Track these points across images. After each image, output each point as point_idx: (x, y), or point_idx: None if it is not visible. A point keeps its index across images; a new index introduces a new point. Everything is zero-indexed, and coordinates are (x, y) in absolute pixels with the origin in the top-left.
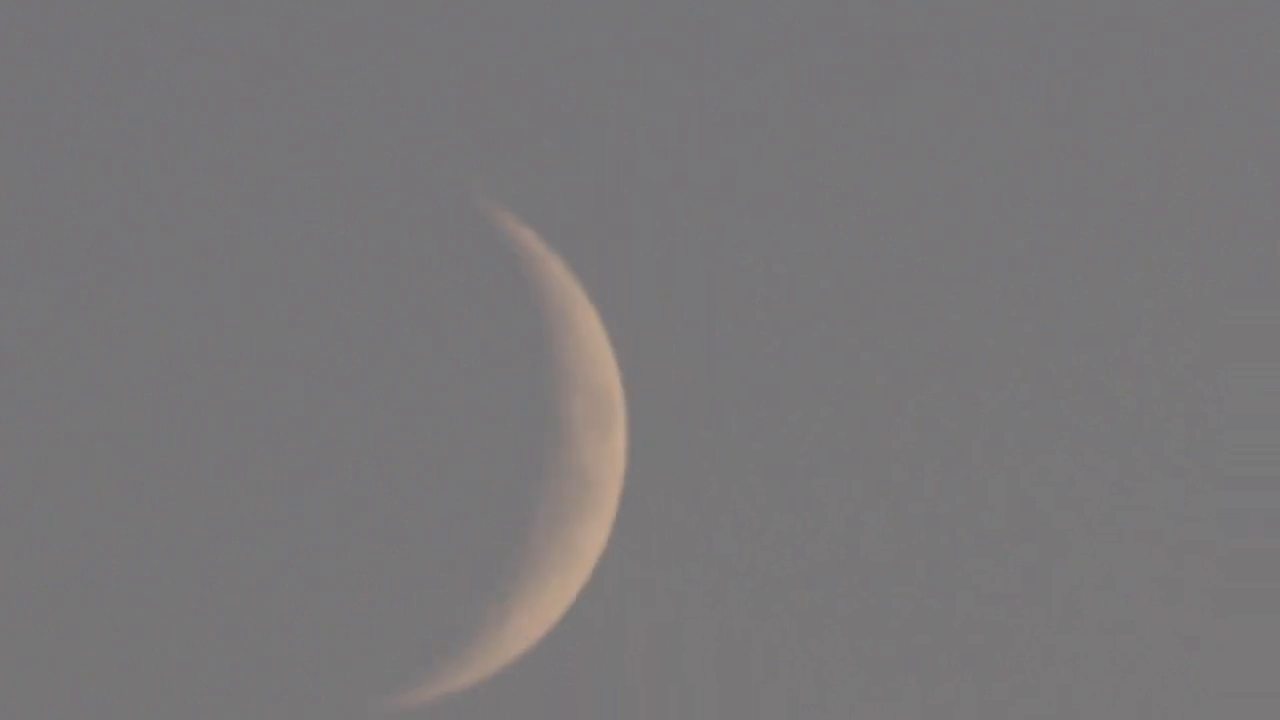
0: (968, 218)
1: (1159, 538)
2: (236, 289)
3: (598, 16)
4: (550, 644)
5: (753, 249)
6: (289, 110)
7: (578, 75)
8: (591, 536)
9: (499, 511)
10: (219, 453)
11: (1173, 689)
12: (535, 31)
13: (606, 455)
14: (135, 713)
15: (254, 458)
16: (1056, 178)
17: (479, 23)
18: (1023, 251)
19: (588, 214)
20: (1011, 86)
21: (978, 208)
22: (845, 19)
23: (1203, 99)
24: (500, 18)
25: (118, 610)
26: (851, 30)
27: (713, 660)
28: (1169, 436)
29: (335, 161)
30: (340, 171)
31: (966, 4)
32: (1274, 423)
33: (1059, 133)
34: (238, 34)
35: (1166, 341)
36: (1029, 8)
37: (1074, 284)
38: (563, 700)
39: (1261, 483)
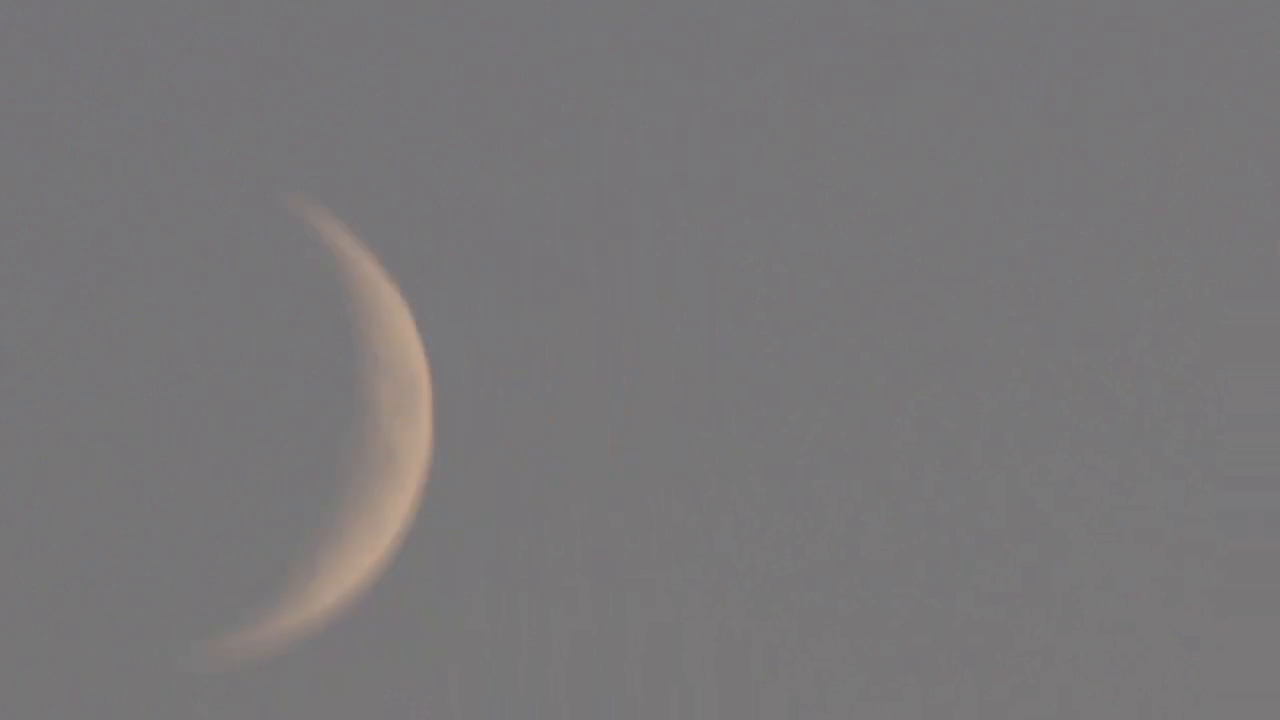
0: (968, 218)
1: (1159, 538)
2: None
3: (584, 16)
4: (353, 615)
5: (745, 248)
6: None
7: (539, 74)
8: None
9: (308, 487)
10: (64, 432)
11: (1173, 689)
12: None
13: (412, 438)
14: None
15: (78, 440)
16: (1057, 178)
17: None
18: (1023, 251)
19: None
20: (1012, 87)
21: (978, 208)
22: (845, 19)
23: (1203, 99)
24: (477, 15)
25: None
26: (851, 30)
27: (510, 638)
28: (1169, 437)
29: (156, 153)
30: (160, 165)
31: (966, 4)
32: (1275, 423)
33: (1059, 133)
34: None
35: (1167, 342)
36: (1029, 8)
37: (1074, 284)
38: (368, 669)
39: (1262, 483)
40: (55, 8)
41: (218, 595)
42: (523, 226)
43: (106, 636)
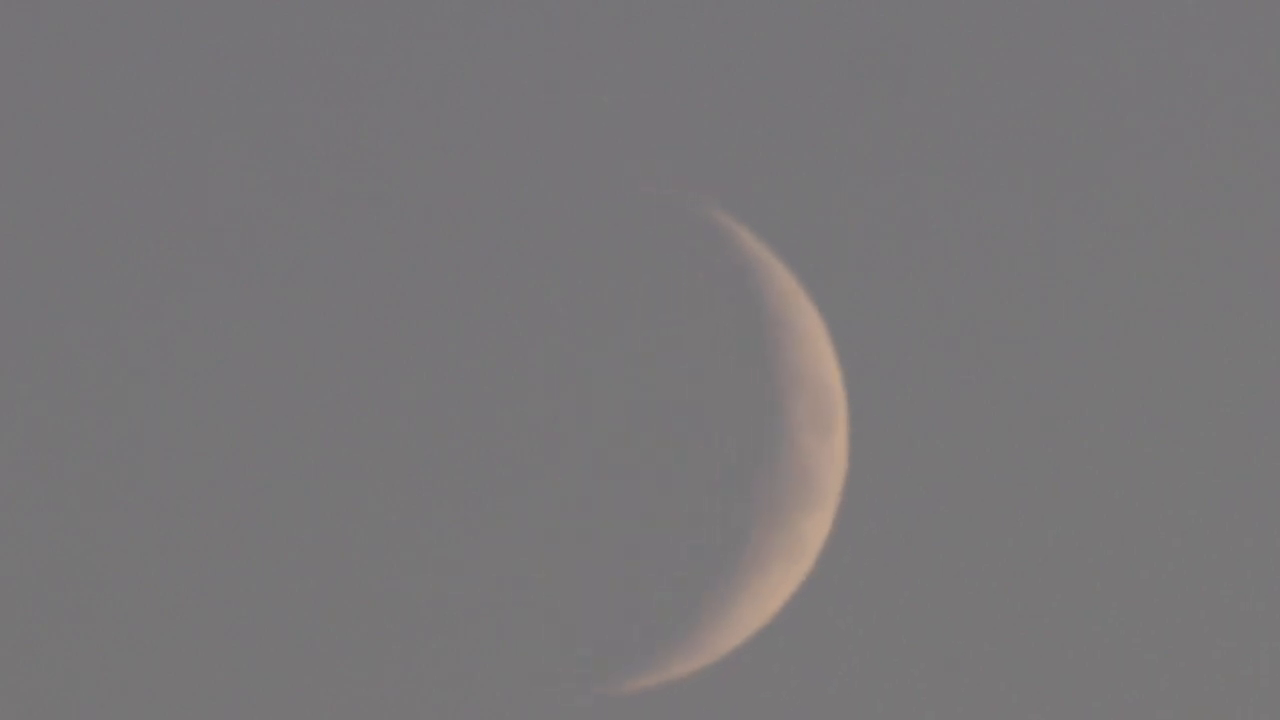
0: (968, 218)
1: (1163, 532)
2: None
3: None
4: (772, 634)
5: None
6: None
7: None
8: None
9: (724, 505)
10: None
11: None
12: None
13: (828, 454)
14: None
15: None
16: (1059, 180)
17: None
18: (1026, 252)
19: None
20: (1011, 86)
21: (979, 208)
22: (845, 19)
23: (1205, 99)
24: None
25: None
26: (851, 30)
27: (927, 655)
28: (1170, 436)
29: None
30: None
31: (967, 4)
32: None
33: (1062, 135)
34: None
35: (1165, 341)
36: (1029, 8)
37: (1076, 284)
38: (785, 690)
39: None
40: (55, 8)
41: (623, 632)
42: None
43: (509, 667)
